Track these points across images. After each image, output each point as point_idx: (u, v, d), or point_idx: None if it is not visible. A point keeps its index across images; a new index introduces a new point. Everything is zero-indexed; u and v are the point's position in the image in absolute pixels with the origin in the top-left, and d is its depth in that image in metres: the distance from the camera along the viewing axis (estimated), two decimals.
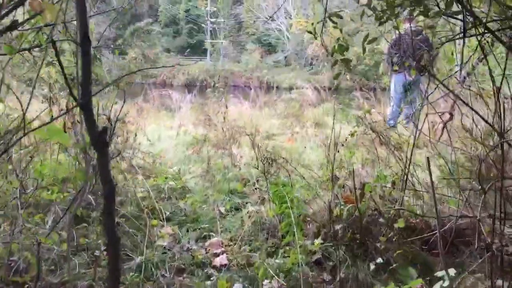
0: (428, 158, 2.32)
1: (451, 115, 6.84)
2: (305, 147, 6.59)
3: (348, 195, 3.46)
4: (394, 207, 3.31)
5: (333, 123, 4.15)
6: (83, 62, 2.01)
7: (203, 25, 53.68)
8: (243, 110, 9.98)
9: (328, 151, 4.54)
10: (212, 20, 52.98)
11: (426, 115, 4.19)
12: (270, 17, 52.65)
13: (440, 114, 6.30)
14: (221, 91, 9.72)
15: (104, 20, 51.42)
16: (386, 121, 8.46)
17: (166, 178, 4.73)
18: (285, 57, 52.77)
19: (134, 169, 4.68)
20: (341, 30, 3.58)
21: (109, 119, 3.38)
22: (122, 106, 4.19)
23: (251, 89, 48.84)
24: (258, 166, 4.13)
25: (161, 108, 16.54)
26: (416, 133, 3.54)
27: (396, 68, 8.33)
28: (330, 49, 3.59)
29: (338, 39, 3.00)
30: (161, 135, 7.83)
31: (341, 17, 2.91)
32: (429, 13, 2.55)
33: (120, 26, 53.45)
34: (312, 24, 3.61)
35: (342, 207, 3.23)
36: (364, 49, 3.58)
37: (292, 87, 47.44)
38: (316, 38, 3.61)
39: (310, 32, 3.51)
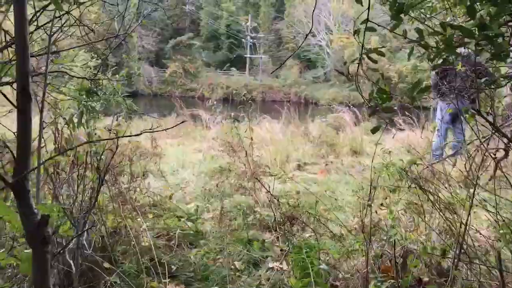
0: (499, 252, 1.68)
1: (507, 151, 6.07)
2: (338, 187, 5.94)
3: (387, 266, 2.82)
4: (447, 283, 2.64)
5: (370, 186, 3.48)
6: (19, 125, 1.49)
7: (243, 40, 53.74)
8: (275, 131, 9.39)
9: (362, 209, 3.88)
10: (253, 35, 52.97)
11: (477, 150, 3.54)
12: (309, 32, 52.19)
13: (493, 150, 5.55)
14: (249, 111, 9.16)
15: (147, 33, 51.94)
16: (431, 153, 7.71)
17: (179, 219, 4.20)
18: (325, 73, 52.02)
19: (142, 209, 4.18)
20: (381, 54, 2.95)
21: (98, 168, 2.84)
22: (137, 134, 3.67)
23: (289, 103, 48.25)
24: (276, 227, 3.54)
25: (192, 127, 16.24)
26: (473, 192, 2.86)
27: (442, 95, 7.60)
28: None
29: (377, 81, 2.38)
30: (186, 159, 7.38)
31: (382, 54, 2.29)
32: (503, 56, 1.91)
33: (162, 39, 54.25)
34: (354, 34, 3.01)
35: (379, 283, 2.59)
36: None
37: (330, 104, 46.65)
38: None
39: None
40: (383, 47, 2.28)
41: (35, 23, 2.71)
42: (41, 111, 2.09)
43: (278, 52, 55.90)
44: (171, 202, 4.75)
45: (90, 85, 3.22)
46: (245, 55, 53.25)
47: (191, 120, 24.58)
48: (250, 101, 10.08)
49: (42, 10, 2.65)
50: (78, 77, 3.23)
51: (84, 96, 3.15)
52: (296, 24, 54.26)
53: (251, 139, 5.88)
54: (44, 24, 2.78)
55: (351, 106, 11.27)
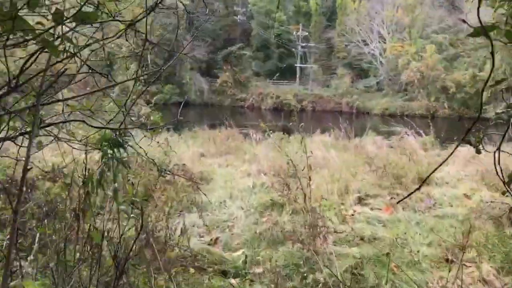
0: None
1: None
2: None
3: None
4: None
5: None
6: None
7: (293, 49, 53.03)
8: (331, 155, 8.59)
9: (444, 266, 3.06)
10: (303, 44, 52.16)
11: None
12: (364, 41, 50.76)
13: None
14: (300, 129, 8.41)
15: (199, 43, 52.48)
16: None
17: (225, 276, 3.52)
18: (377, 82, 50.37)
19: (182, 262, 3.53)
20: None
21: (114, 256, 2.17)
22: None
23: (341, 113, 46.91)
24: None
25: (240, 141, 15.63)
26: None
27: None
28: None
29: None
30: (234, 186, 6.73)
31: None
32: None
33: (213, 50, 54.45)
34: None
35: None
36: None
37: (384, 114, 45.03)
38: None
39: None
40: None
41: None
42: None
43: (329, 61, 54.77)
44: (216, 250, 4.07)
45: (115, 134, 2.56)
46: (295, 65, 52.49)
47: (240, 133, 24.13)
48: (296, 120, 9.17)
49: None
50: (99, 128, 2.57)
51: (107, 148, 2.50)
52: (348, 33, 52.99)
53: (309, 168, 5.10)
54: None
55: (415, 128, 10.23)
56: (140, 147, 2.66)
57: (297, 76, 52.28)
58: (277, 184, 5.83)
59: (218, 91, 51.50)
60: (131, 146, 2.54)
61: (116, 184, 2.51)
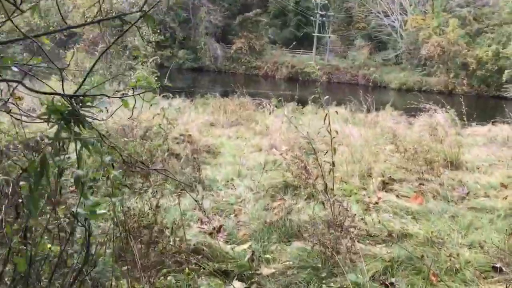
0: None
1: None
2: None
3: None
4: None
5: None
6: None
7: (312, 18, 51.30)
8: (352, 131, 7.83)
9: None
10: (322, 13, 50.42)
11: None
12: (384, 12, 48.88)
13: None
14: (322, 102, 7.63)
15: (215, 8, 51.23)
16: None
17: (226, 277, 2.86)
18: (396, 56, 48.74)
19: (178, 257, 2.86)
20: None
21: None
22: None
23: (357, 86, 45.78)
24: None
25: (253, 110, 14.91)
26: None
27: None
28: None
29: None
30: (243, 163, 6.02)
31: None
32: None
33: (229, 15, 52.99)
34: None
35: None
36: None
37: (401, 88, 43.68)
38: None
39: None
40: None
41: None
42: None
43: (347, 31, 53.05)
44: (218, 242, 3.40)
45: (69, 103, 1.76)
46: (313, 34, 50.91)
47: (253, 103, 23.32)
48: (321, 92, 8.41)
49: None
50: (43, 93, 1.77)
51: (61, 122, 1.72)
52: (368, 3, 51.08)
53: (332, 150, 4.36)
54: None
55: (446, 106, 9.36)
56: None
57: (314, 45, 50.78)
58: (291, 163, 5.11)
59: (233, 58, 50.32)
60: (94, 119, 1.79)
61: (81, 171, 1.81)
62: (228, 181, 5.19)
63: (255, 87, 42.86)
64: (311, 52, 51.05)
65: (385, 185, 5.32)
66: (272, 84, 46.99)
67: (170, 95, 22.96)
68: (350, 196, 4.96)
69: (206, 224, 3.78)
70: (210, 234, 3.58)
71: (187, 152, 5.69)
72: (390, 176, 5.60)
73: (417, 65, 46.17)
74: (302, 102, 29.21)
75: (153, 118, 5.19)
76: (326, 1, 51.51)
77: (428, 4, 47.88)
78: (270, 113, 19.59)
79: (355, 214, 3.78)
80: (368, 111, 19.26)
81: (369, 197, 4.89)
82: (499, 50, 39.99)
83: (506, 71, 39.20)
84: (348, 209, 3.32)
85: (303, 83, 48.42)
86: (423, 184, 5.29)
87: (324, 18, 50.77)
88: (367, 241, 3.63)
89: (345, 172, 5.63)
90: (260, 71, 49.62)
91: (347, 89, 46.59)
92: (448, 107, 22.44)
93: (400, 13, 48.86)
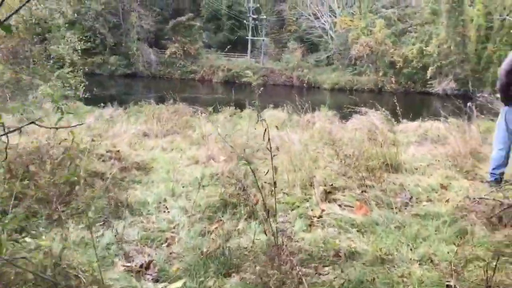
0: None
1: None
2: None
3: None
4: None
5: None
6: None
7: (245, 21, 51.29)
8: (290, 136, 7.54)
9: None
10: (255, 16, 50.52)
11: None
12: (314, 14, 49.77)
13: None
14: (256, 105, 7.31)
15: (146, 13, 49.90)
16: (489, 171, 5.89)
17: None
18: (328, 57, 49.78)
19: None
20: None
21: None
22: None
23: (292, 87, 45.89)
24: None
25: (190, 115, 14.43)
26: None
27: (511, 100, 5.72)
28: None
29: None
30: (179, 179, 5.53)
31: None
32: None
33: (161, 20, 51.82)
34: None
35: None
36: None
37: (333, 88, 44.57)
38: None
39: None
40: None
41: None
42: None
43: (280, 34, 53.55)
44: (146, 283, 2.92)
45: None
46: (246, 37, 50.89)
47: (189, 108, 22.63)
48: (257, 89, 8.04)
49: None
50: None
51: None
52: (299, 6, 51.86)
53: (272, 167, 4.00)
54: None
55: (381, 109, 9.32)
56: None
57: (249, 49, 50.80)
58: (227, 184, 4.72)
59: (167, 63, 49.19)
60: None
61: None
62: (160, 202, 4.67)
63: (191, 92, 42.11)
64: (246, 55, 51.01)
65: (327, 195, 5.03)
66: (209, 88, 46.42)
67: (102, 104, 21.86)
68: (293, 210, 4.63)
69: (133, 259, 3.28)
70: (138, 272, 3.08)
71: (114, 171, 5.12)
72: (332, 184, 5.34)
73: (348, 65, 47.39)
74: (240, 106, 28.97)
75: (72, 137, 4.57)
76: (258, 5, 51.73)
77: (355, 5, 49.31)
78: (207, 120, 19.14)
79: (299, 239, 3.44)
80: (305, 112, 19.33)
81: (312, 210, 4.58)
82: (423, 48, 41.88)
83: (430, 68, 41.15)
84: (292, 235, 2.94)
85: (239, 86, 48.22)
86: (365, 191, 5.06)
87: (257, 22, 50.93)
88: (313, 265, 3.28)
89: (286, 182, 5.30)
90: (196, 75, 48.87)
91: (282, 91, 46.92)
92: (380, 107, 23.03)
93: (329, 15, 49.99)
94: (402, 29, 46.49)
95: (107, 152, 5.83)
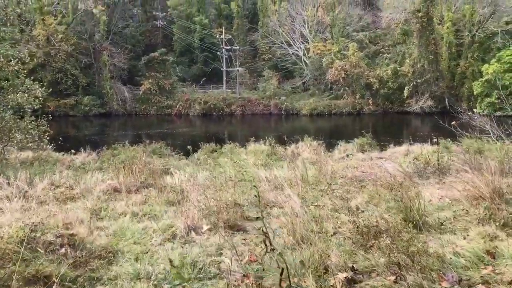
0: None
1: None
2: None
3: None
4: None
5: None
6: None
7: (218, 53, 50.56)
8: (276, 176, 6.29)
9: None
10: (228, 47, 49.86)
11: None
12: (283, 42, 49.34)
13: None
14: None
15: (118, 51, 48.80)
16: None
17: None
18: (304, 83, 49.23)
19: None
20: None
21: None
22: None
23: (270, 115, 44.88)
24: None
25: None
26: None
27: None
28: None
29: None
30: (148, 272, 4.16)
31: None
32: None
33: (134, 56, 50.70)
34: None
35: None
36: None
37: (312, 113, 43.75)
38: None
39: None
40: None
41: None
42: None
43: (254, 63, 52.95)
44: None
45: None
46: (221, 68, 50.08)
47: (166, 147, 21.15)
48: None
49: None
50: None
51: None
52: (271, 35, 51.48)
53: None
54: None
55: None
56: None
57: (224, 80, 49.92)
58: (216, 257, 3.41)
59: (142, 100, 47.83)
60: None
61: None
62: None
63: (168, 127, 40.69)
64: (222, 87, 50.09)
65: (351, 285, 3.74)
66: (186, 122, 45.11)
67: (72, 151, 20.25)
68: None
69: None
70: None
71: (63, 271, 3.75)
72: (353, 267, 4.05)
73: (324, 90, 46.90)
74: (219, 140, 27.68)
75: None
76: (230, 36, 51.17)
77: (327, 31, 49.18)
78: (183, 163, 17.73)
79: None
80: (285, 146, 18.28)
81: None
82: (397, 68, 41.65)
83: (406, 88, 40.84)
84: None
85: (217, 118, 47.08)
86: (400, 277, 3.77)
87: (230, 52, 50.24)
88: None
89: (292, 267, 4.00)
90: (172, 110, 47.58)
91: (261, 120, 45.99)
92: (366, 132, 22.03)
93: (302, 42, 49.68)
94: (374, 51, 46.41)
95: (57, 237, 4.46)
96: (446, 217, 5.50)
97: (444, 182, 8.23)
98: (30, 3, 48.79)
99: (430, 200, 6.50)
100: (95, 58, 47.42)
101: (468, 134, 19.04)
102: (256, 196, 6.61)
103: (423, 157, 13.94)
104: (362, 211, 5.82)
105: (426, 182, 8.81)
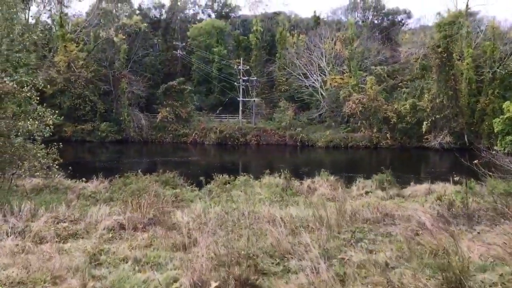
0: None
1: None
2: None
3: None
4: None
5: None
6: None
7: (235, 83, 50.59)
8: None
9: None
10: (245, 78, 49.87)
11: None
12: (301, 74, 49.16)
13: None
14: None
15: (137, 79, 49.16)
16: None
17: None
18: (320, 115, 48.73)
19: None
20: None
21: None
22: None
23: (285, 146, 44.14)
24: None
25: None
26: None
27: None
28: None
29: None
30: None
31: None
32: None
33: (152, 85, 51.01)
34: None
35: None
36: None
37: (328, 146, 43.01)
38: None
39: None
40: None
41: None
42: None
43: (271, 94, 52.78)
44: None
45: None
46: (238, 98, 49.98)
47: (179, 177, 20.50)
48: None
49: None
50: None
51: None
52: (288, 66, 51.43)
53: None
54: None
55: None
56: None
57: (240, 110, 49.74)
58: None
59: (159, 127, 47.75)
60: None
61: None
62: None
63: (183, 155, 40.30)
64: (238, 116, 49.88)
65: None
66: (201, 150, 44.74)
67: (83, 179, 19.77)
68: None
69: None
70: None
71: None
72: None
73: (341, 122, 46.26)
74: (232, 170, 27.04)
75: None
76: (248, 67, 51.27)
77: (344, 64, 48.94)
78: (196, 192, 17.12)
79: None
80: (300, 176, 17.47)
81: None
82: (416, 103, 40.92)
83: (424, 123, 39.98)
84: None
85: (232, 147, 46.63)
86: None
87: (247, 83, 50.21)
88: None
89: None
90: (188, 138, 47.35)
91: (276, 151, 45.39)
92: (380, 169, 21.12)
93: (319, 74, 49.46)
94: (392, 85, 45.86)
95: None
96: (492, 282, 4.73)
97: (479, 232, 7.45)
98: (54, 30, 49.80)
99: (470, 257, 5.72)
100: (114, 85, 47.77)
101: (491, 173, 18.11)
102: (272, 245, 5.95)
103: (447, 198, 13.09)
104: (393, 268, 5.09)
105: (456, 230, 8.00)
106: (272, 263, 5.36)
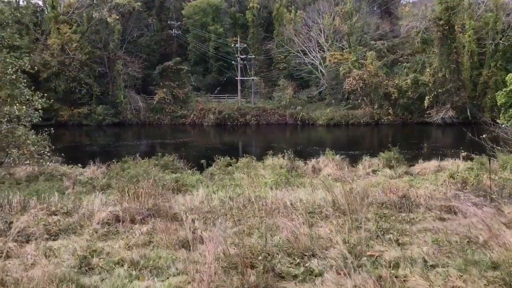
0: None
1: None
2: None
3: None
4: None
5: None
6: None
7: (233, 62, 49.35)
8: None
9: None
10: (242, 56, 48.62)
11: None
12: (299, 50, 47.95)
13: None
14: None
15: (132, 60, 47.74)
16: None
17: None
18: (319, 92, 47.70)
19: None
20: None
21: None
22: None
23: (286, 125, 43.16)
24: None
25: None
26: None
27: None
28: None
29: None
30: None
31: None
32: None
33: (148, 66, 49.78)
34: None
35: None
36: None
37: (329, 124, 42.12)
38: None
39: None
40: None
41: None
42: None
43: (269, 73, 51.60)
44: None
45: None
46: (236, 78, 48.84)
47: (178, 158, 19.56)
48: None
49: None
50: None
51: None
52: (286, 44, 50.11)
53: None
54: None
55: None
56: None
57: (239, 89, 48.64)
58: None
59: (156, 109, 46.75)
60: None
61: None
62: None
63: (182, 137, 39.40)
64: (237, 96, 48.83)
65: None
66: (200, 132, 43.86)
67: (80, 165, 18.94)
68: None
69: None
70: None
71: None
72: None
73: (341, 100, 45.32)
74: (233, 151, 26.24)
75: None
76: (245, 45, 49.96)
77: (344, 40, 47.69)
78: (198, 176, 16.30)
79: None
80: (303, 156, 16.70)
81: None
82: (417, 77, 39.90)
83: (426, 98, 39.05)
84: None
85: (232, 128, 45.70)
86: None
87: (245, 62, 49.00)
88: None
89: None
90: (186, 119, 46.40)
91: (276, 130, 44.48)
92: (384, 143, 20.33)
93: (318, 51, 48.22)
94: (393, 60, 44.75)
95: None
96: None
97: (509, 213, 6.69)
98: (46, 12, 48.26)
99: None
100: (109, 67, 46.56)
101: (499, 147, 17.36)
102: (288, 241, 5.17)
103: (460, 176, 12.32)
104: (433, 267, 4.33)
105: (482, 212, 7.22)
106: (291, 263, 4.59)
